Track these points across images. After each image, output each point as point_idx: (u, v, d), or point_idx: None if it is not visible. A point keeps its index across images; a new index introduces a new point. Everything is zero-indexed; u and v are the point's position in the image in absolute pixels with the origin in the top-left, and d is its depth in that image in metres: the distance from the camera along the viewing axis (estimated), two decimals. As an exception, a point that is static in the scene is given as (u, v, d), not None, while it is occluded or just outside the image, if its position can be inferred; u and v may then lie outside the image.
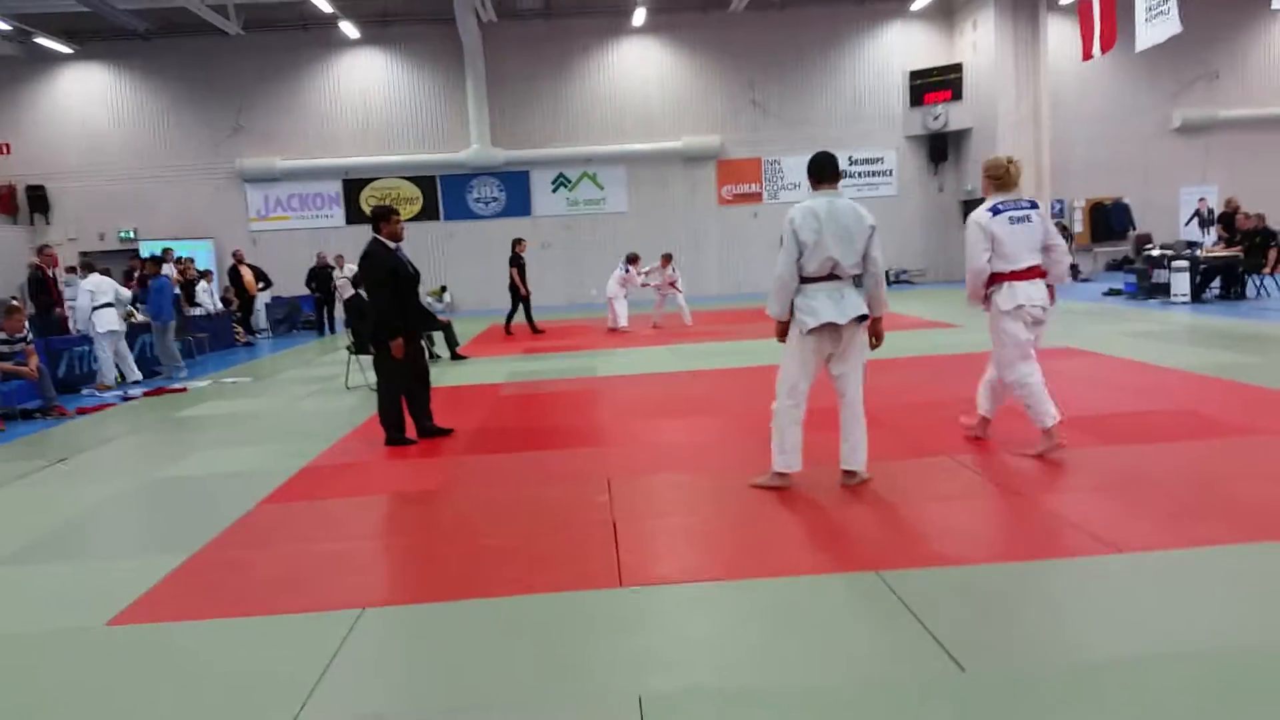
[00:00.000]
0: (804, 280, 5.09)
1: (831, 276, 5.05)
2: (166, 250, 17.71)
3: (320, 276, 18.74)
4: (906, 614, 3.50)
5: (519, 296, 16.04)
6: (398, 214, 7.21)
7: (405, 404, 7.33)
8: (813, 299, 5.06)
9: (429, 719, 3.02)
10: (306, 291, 19.47)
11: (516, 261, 15.88)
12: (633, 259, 16.10)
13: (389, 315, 6.95)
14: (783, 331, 5.29)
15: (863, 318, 5.09)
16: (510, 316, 16.39)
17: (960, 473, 5.43)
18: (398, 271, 7.00)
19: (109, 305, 12.20)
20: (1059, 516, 4.52)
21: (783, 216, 5.21)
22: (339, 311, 17.75)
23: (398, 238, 7.12)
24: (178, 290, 16.49)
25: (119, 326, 12.35)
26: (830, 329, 5.06)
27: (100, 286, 12.35)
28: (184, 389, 11.55)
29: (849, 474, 5.30)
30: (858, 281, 5.12)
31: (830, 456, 5.39)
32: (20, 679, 3.49)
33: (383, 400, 7.29)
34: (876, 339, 5.26)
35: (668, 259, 16.00)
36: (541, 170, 23.45)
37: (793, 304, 5.14)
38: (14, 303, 10.85)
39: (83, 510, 5.93)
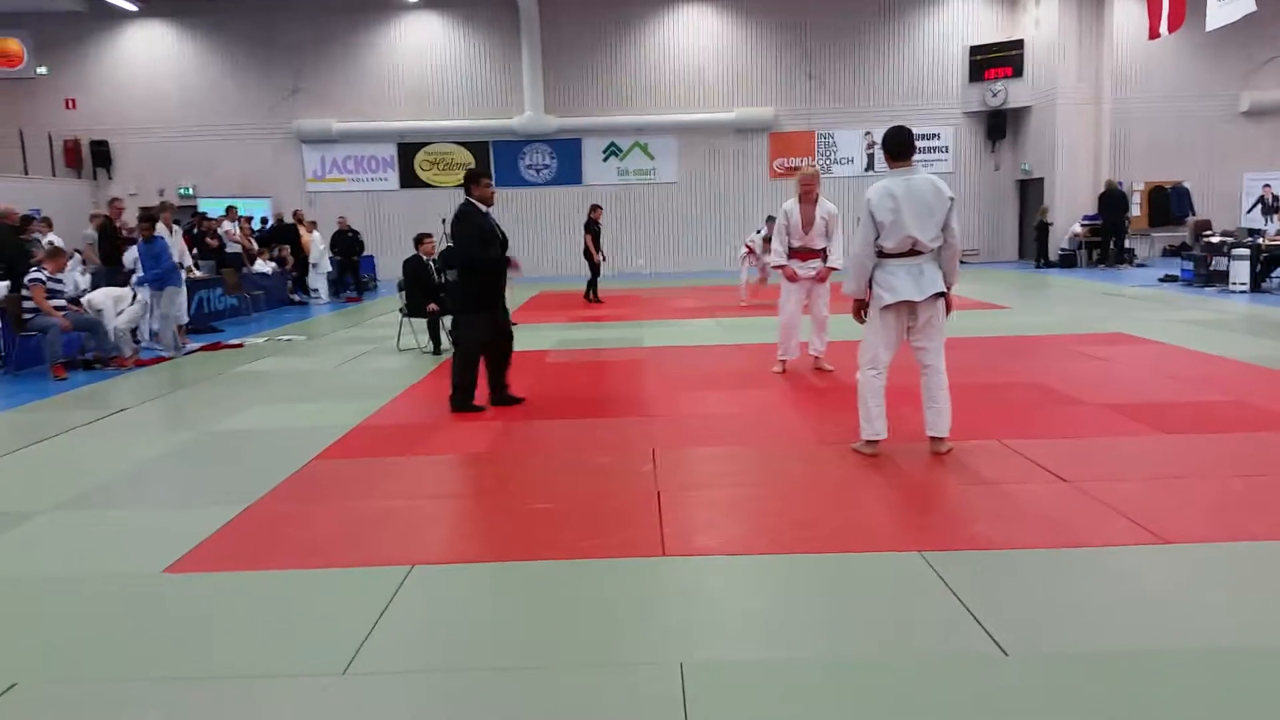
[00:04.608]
0: (884, 255, 5.21)
1: (912, 252, 5.17)
2: (230, 208, 17.97)
3: (343, 241, 18.92)
4: (950, 596, 3.52)
5: (594, 262, 15.80)
6: (489, 177, 7.21)
7: (485, 368, 7.29)
8: (892, 275, 5.20)
9: (473, 676, 3.10)
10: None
11: (592, 228, 15.63)
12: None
13: (477, 282, 6.96)
14: (859, 309, 5.41)
15: (940, 294, 5.21)
16: (592, 284, 16.13)
17: (1009, 457, 5.41)
18: (489, 233, 7.00)
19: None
20: (1105, 504, 4.49)
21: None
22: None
23: (488, 201, 7.09)
24: (239, 248, 16.78)
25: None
26: (907, 304, 5.21)
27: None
28: (240, 344, 11.78)
29: (937, 440, 5.44)
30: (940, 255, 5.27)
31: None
32: (77, 622, 3.61)
33: (460, 363, 7.22)
34: (946, 308, 5.35)
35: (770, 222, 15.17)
36: (593, 139, 23.42)
37: (872, 278, 5.26)
38: (56, 245, 11.21)
39: (141, 459, 6.10)
